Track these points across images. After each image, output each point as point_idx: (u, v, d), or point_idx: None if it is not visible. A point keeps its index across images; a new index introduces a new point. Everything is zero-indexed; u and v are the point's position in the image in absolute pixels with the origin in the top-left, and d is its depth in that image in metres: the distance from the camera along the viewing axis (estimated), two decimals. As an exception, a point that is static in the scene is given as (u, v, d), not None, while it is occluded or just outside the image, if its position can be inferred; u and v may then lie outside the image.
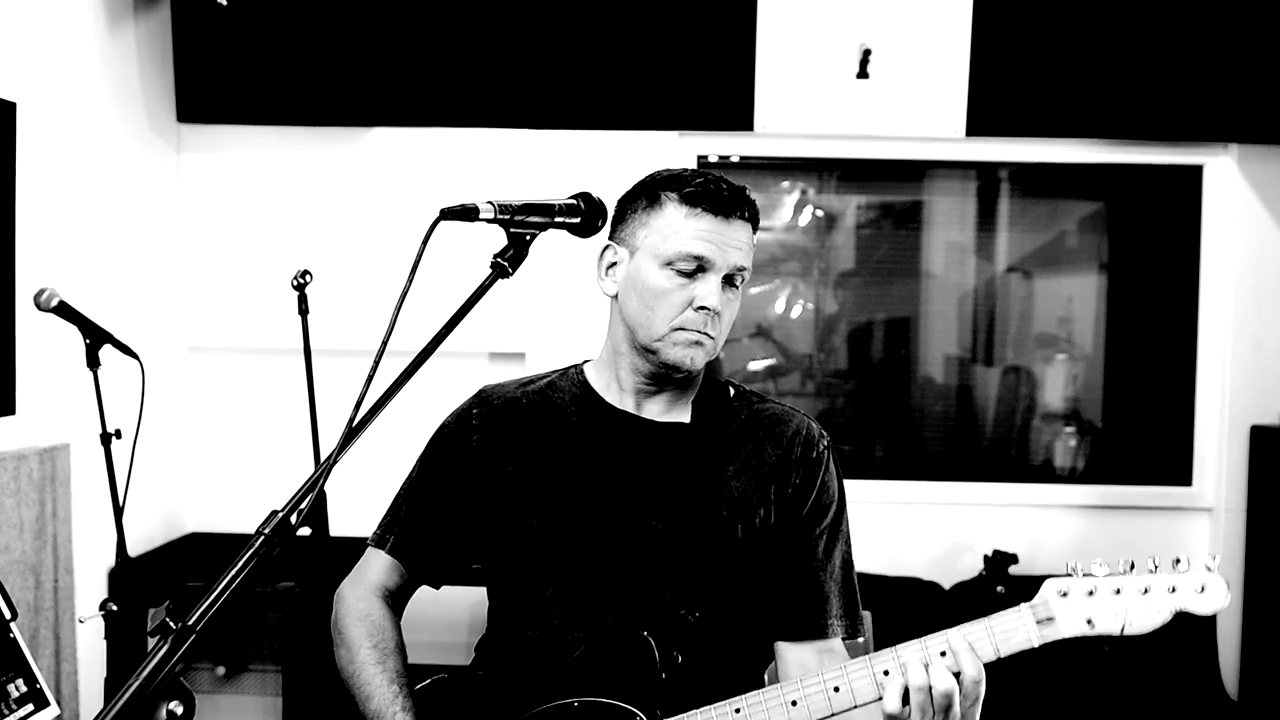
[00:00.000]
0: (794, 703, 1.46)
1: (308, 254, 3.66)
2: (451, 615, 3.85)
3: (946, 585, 3.98)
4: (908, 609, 3.83)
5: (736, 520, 1.65)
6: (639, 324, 1.63)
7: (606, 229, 1.59)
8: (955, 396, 4.37)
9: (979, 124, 3.88)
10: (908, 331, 4.34)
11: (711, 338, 1.63)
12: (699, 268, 1.60)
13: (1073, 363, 4.33)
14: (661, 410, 1.71)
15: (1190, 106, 3.85)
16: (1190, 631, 3.84)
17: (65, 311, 2.60)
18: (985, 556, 3.94)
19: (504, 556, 1.72)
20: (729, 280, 1.63)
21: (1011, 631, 1.41)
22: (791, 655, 1.67)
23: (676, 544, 1.63)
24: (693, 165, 3.24)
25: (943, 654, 1.41)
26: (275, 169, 4.03)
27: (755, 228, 1.66)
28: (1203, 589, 1.37)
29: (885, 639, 2.03)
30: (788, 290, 4.34)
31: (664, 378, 1.68)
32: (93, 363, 2.66)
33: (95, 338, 2.66)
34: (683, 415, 1.71)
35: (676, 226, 1.60)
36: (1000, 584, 3.85)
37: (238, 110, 3.87)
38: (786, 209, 4.33)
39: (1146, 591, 1.38)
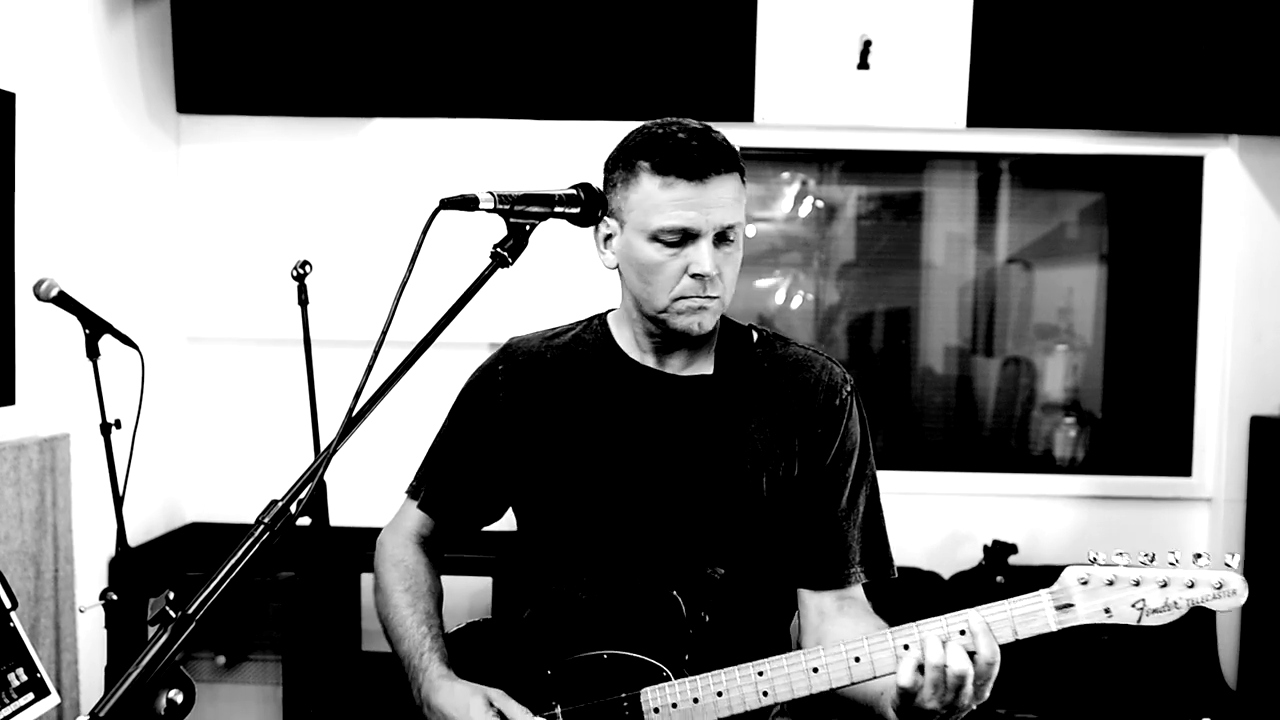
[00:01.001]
0: (815, 669, 1.48)
1: (307, 244, 3.65)
2: (451, 606, 3.84)
3: (946, 575, 3.98)
4: (907, 599, 3.82)
5: (760, 474, 1.64)
6: (641, 297, 1.63)
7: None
8: (955, 387, 4.37)
9: (979, 115, 3.87)
10: (908, 322, 4.34)
11: (715, 297, 1.60)
12: (685, 236, 1.56)
13: (1073, 353, 4.33)
14: (683, 364, 1.70)
15: (1191, 97, 3.84)
16: (1190, 622, 3.82)
17: (65, 301, 2.59)
18: (985, 546, 3.95)
19: (531, 512, 1.75)
20: (722, 237, 1.58)
21: (1031, 616, 1.42)
22: (812, 602, 1.69)
23: (701, 501, 1.63)
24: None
25: (961, 633, 1.42)
26: (275, 159, 4.02)
27: (740, 174, 1.61)
28: (1220, 586, 1.39)
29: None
30: (788, 281, 4.34)
31: (677, 340, 1.67)
32: (92, 353, 2.66)
33: (95, 328, 2.66)
34: (705, 367, 1.70)
35: (655, 200, 1.57)
36: (1000, 574, 3.85)
37: (237, 101, 3.86)
38: (787, 200, 4.33)
39: (1165, 585, 1.40)
